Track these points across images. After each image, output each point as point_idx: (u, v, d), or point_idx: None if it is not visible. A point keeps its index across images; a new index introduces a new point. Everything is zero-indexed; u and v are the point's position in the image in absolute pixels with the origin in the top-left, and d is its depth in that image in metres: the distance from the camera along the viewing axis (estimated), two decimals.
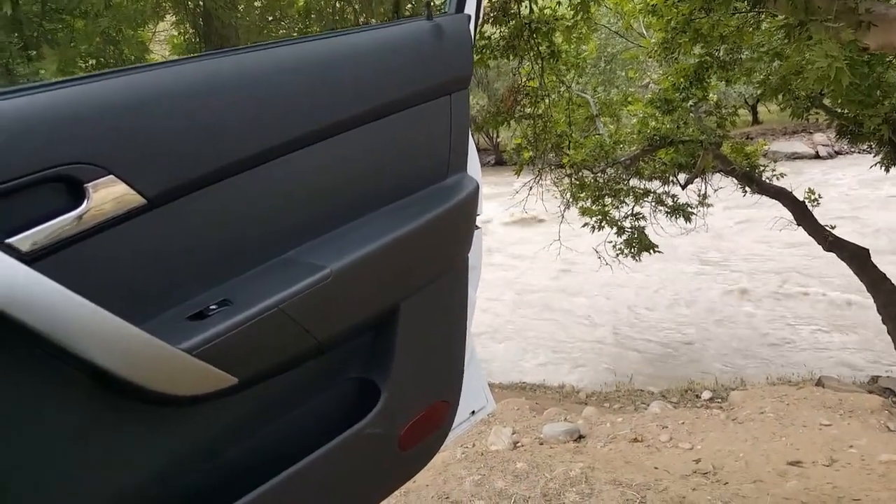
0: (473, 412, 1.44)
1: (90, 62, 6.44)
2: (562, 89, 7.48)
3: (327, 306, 0.93)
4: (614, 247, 8.02)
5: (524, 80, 7.04)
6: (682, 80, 6.98)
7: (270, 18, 7.52)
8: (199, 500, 0.87)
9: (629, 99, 8.17)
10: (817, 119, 7.59)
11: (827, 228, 7.40)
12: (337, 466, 0.99)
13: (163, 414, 0.82)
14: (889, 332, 7.04)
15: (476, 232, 1.22)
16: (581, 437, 4.49)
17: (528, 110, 7.17)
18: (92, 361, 0.71)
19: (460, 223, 1.13)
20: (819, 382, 5.97)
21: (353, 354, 1.05)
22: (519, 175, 7.63)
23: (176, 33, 7.51)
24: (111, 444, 0.79)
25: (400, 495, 3.55)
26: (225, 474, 0.91)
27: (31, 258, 0.70)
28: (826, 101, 6.86)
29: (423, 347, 1.13)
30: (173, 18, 7.24)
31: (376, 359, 1.07)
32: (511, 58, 6.59)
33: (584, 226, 7.91)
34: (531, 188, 7.71)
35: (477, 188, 1.16)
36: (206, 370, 0.80)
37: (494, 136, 20.76)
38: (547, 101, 7.15)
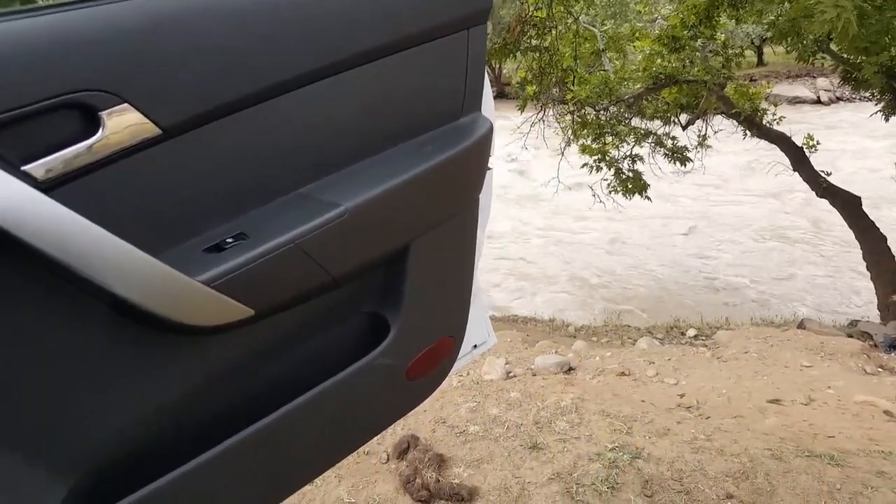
0: (475, 346, 1.49)
1: None
2: (569, 21, 7.32)
3: (342, 243, 0.93)
4: (609, 185, 8.04)
5: (531, 10, 6.88)
6: (691, 17, 6.86)
7: None
8: (214, 426, 0.90)
9: (637, 34, 8.00)
10: (823, 64, 7.51)
11: (822, 175, 7.46)
12: (347, 395, 1.02)
13: (180, 343, 0.84)
14: (872, 279, 7.23)
15: (487, 173, 1.21)
16: (571, 369, 4.66)
17: (534, 42, 7.03)
18: (110, 290, 0.72)
19: (474, 164, 1.12)
20: (801, 325, 6.16)
21: (366, 290, 1.07)
22: (523, 111, 7.53)
23: None
24: (130, 371, 0.81)
25: (401, 420, 3.71)
26: (241, 402, 0.94)
27: (46, 186, 0.69)
28: (832, 46, 6.77)
29: (432, 285, 1.14)
30: None
31: (387, 295, 1.08)
32: None
33: (583, 166, 7.90)
34: (533, 124, 7.64)
35: (491, 128, 1.14)
36: (224, 301, 0.81)
37: (497, 67, 20.02)
38: (554, 32, 7.01)
